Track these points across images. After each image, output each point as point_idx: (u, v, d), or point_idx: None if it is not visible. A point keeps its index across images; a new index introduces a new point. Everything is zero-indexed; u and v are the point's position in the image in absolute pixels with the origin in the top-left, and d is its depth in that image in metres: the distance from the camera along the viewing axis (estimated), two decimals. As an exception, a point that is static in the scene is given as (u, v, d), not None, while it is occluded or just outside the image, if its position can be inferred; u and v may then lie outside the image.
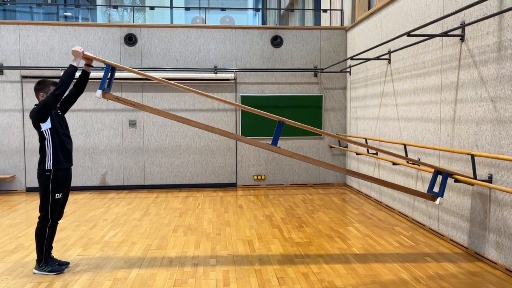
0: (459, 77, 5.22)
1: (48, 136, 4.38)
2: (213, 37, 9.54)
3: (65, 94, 4.51)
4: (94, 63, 4.73)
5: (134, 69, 5.26)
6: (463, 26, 5.01)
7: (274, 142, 4.81)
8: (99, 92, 4.57)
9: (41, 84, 4.47)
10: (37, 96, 4.47)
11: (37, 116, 4.36)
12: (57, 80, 4.52)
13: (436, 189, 4.99)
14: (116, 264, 4.77)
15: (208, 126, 5.00)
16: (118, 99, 4.75)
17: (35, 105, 4.46)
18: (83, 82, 4.70)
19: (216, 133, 5.02)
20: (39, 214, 4.45)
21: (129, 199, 8.45)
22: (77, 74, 4.59)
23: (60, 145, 4.43)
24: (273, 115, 4.99)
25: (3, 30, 9.04)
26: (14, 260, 4.88)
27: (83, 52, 4.48)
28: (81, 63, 4.62)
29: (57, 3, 15.16)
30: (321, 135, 9.76)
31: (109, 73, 4.63)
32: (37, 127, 4.42)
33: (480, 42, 4.80)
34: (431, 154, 5.89)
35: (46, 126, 4.37)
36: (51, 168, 4.37)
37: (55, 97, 4.33)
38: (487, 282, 4.19)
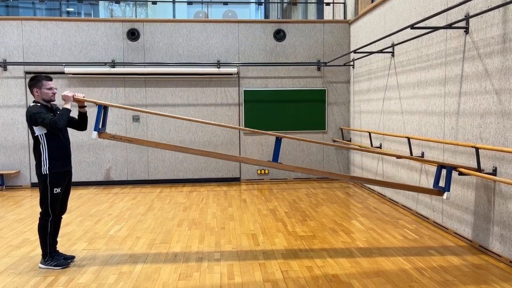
0: (463, 69, 5.19)
1: (43, 140, 4.35)
2: (216, 32, 9.52)
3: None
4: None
5: (125, 106, 5.30)
6: (467, 18, 4.97)
7: (275, 159, 4.84)
8: (94, 134, 4.60)
9: (34, 80, 4.44)
10: (31, 92, 4.45)
11: (32, 121, 4.32)
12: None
13: (441, 183, 4.98)
14: (121, 258, 4.79)
15: (207, 152, 5.00)
16: (114, 137, 4.81)
17: (33, 101, 4.44)
18: (82, 122, 4.72)
19: (215, 157, 5.05)
20: (40, 210, 4.48)
21: (133, 194, 8.48)
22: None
23: (56, 150, 4.39)
24: (272, 133, 5.05)
25: (6, 26, 9.06)
26: (20, 254, 4.91)
27: (73, 96, 4.46)
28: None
29: (60, -2, 15.13)
30: (325, 129, 9.75)
31: (102, 113, 4.65)
32: (31, 130, 4.39)
33: (484, 34, 4.77)
34: (435, 147, 5.87)
35: (40, 131, 4.34)
36: (47, 172, 4.35)
37: (53, 128, 4.28)
38: (491, 275, 4.19)
